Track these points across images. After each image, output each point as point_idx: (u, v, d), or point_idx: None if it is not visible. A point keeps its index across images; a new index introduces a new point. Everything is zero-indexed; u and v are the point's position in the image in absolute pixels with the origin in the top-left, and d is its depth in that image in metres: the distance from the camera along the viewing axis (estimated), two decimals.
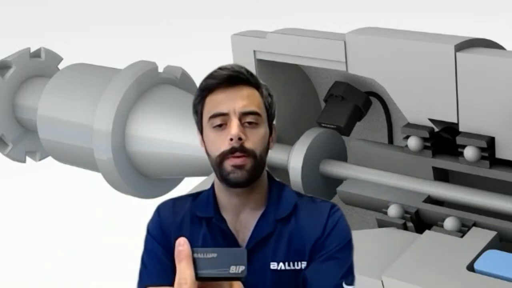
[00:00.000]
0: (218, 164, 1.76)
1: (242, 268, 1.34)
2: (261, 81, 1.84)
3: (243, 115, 1.77)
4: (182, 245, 1.34)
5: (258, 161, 1.77)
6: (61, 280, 4.72)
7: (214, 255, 1.35)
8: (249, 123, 1.77)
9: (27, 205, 5.25)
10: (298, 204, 1.85)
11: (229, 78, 1.79)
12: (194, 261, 1.35)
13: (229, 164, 1.75)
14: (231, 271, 1.34)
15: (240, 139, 1.74)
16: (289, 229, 1.82)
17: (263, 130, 1.79)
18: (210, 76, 1.81)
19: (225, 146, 1.75)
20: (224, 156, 1.75)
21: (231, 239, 1.81)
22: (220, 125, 1.77)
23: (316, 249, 1.80)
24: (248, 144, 1.75)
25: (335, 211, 1.84)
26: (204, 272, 1.35)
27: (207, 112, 1.80)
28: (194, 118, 1.86)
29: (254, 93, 1.81)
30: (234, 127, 1.74)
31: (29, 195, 5.25)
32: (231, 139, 1.74)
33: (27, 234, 5.05)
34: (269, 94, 1.84)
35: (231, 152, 1.74)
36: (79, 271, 4.77)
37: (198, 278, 1.35)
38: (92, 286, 4.67)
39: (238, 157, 1.74)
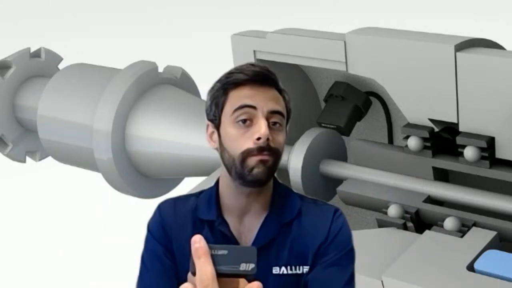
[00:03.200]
0: (241, 161, 1.72)
1: (252, 265, 1.35)
2: (282, 86, 1.82)
3: (270, 113, 1.74)
4: (198, 242, 1.33)
5: (278, 162, 1.76)
6: (61, 280, 4.73)
7: (225, 252, 1.36)
8: (274, 123, 1.75)
9: (27, 205, 5.25)
10: (302, 208, 1.83)
11: (260, 76, 1.76)
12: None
13: (254, 160, 1.71)
14: (241, 268, 1.35)
15: (267, 139, 1.72)
16: (291, 234, 1.80)
17: (284, 133, 1.78)
18: (240, 71, 1.77)
19: (249, 144, 1.72)
20: (248, 153, 1.72)
21: (233, 243, 1.79)
22: (244, 121, 1.73)
23: (319, 254, 1.79)
24: (274, 144, 1.74)
25: (339, 215, 1.83)
26: (215, 268, 1.36)
27: (231, 105, 1.75)
28: (209, 110, 1.80)
29: (279, 96, 1.79)
30: (263, 126, 1.71)
31: (29, 195, 5.26)
32: (258, 139, 1.71)
33: (27, 234, 5.05)
34: (289, 100, 1.83)
35: (257, 151, 1.71)
36: (79, 271, 4.77)
37: None
38: (91, 286, 4.67)
39: (264, 154, 1.72)
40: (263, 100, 1.74)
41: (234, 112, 1.74)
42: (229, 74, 1.78)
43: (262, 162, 1.72)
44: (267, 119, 1.74)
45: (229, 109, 1.75)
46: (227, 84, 1.77)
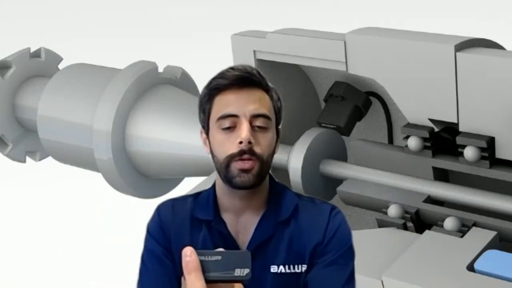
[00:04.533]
0: (225, 166, 1.74)
1: (246, 271, 1.34)
2: (270, 84, 1.81)
3: (253, 117, 1.74)
4: (189, 255, 1.32)
5: (265, 165, 1.76)
6: (61, 280, 4.72)
7: (219, 257, 1.35)
8: (259, 127, 1.75)
9: (27, 205, 5.25)
10: (298, 206, 1.84)
11: (241, 79, 1.76)
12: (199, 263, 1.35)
13: (236, 167, 1.73)
14: (235, 274, 1.34)
15: (249, 142, 1.72)
16: (289, 232, 1.81)
17: (271, 134, 1.78)
18: (221, 76, 1.78)
19: (233, 148, 1.73)
20: (231, 158, 1.73)
21: (230, 242, 1.80)
22: (228, 128, 1.75)
23: (317, 254, 1.79)
24: (257, 149, 1.74)
25: (336, 213, 1.83)
26: (209, 275, 1.34)
27: (215, 112, 1.77)
28: (199, 117, 1.82)
29: (265, 96, 1.78)
30: (244, 130, 1.72)
31: (29, 195, 5.26)
32: (240, 142, 1.72)
33: (27, 234, 5.05)
34: (278, 98, 1.82)
35: (239, 154, 1.72)
36: (78, 271, 4.77)
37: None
38: (91, 286, 4.67)
39: (245, 160, 1.73)
40: (245, 104, 1.75)
41: (218, 120, 1.76)
42: (212, 80, 1.80)
43: (244, 171, 1.73)
44: (251, 122, 1.74)
45: (214, 116, 1.78)
46: (210, 90, 1.79)
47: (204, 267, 1.35)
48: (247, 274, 1.34)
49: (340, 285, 1.77)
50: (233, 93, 1.76)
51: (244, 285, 1.36)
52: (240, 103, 1.75)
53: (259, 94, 1.78)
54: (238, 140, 1.73)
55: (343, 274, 1.79)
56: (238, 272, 1.34)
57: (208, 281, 1.35)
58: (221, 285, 1.34)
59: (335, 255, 1.79)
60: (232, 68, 1.78)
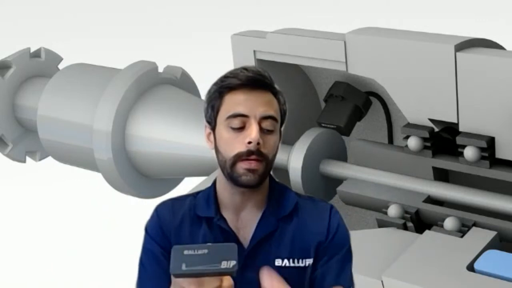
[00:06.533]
0: (230, 164, 1.77)
1: (233, 263, 1.35)
2: (277, 88, 1.84)
3: (262, 119, 1.77)
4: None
5: (269, 165, 1.79)
6: (61, 280, 4.73)
7: (205, 251, 1.36)
8: (266, 128, 1.78)
9: (27, 205, 5.25)
10: (298, 204, 1.87)
11: (253, 81, 1.79)
12: (186, 257, 1.36)
13: (242, 166, 1.76)
14: (222, 266, 1.35)
15: (258, 143, 1.75)
16: (291, 228, 1.83)
17: (276, 136, 1.81)
18: (234, 75, 1.80)
19: (241, 147, 1.76)
20: (239, 157, 1.76)
21: (232, 238, 1.81)
22: (238, 127, 1.77)
23: (321, 252, 1.82)
24: (264, 150, 1.77)
25: (335, 212, 1.87)
26: (195, 269, 1.35)
27: (225, 111, 1.79)
28: (206, 112, 1.84)
29: (273, 99, 1.82)
30: (254, 131, 1.75)
31: (29, 195, 5.26)
32: (249, 142, 1.75)
33: (27, 234, 5.05)
34: (284, 101, 1.85)
35: (247, 154, 1.75)
36: (79, 271, 4.78)
37: (190, 274, 1.35)
38: (91, 286, 4.67)
39: (252, 160, 1.75)
40: (255, 105, 1.78)
41: (227, 119, 1.78)
42: (224, 78, 1.82)
43: (250, 171, 1.76)
44: (259, 123, 1.77)
45: (223, 113, 1.80)
46: (221, 88, 1.81)
47: (191, 261, 1.36)
48: (233, 266, 1.35)
49: (339, 284, 1.79)
50: (244, 93, 1.78)
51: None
52: (250, 104, 1.77)
53: (268, 96, 1.81)
54: (247, 140, 1.75)
55: (343, 274, 1.81)
56: (225, 265, 1.35)
57: (195, 274, 1.35)
58: (209, 278, 1.35)
59: (335, 255, 1.81)
60: (245, 69, 1.81)
